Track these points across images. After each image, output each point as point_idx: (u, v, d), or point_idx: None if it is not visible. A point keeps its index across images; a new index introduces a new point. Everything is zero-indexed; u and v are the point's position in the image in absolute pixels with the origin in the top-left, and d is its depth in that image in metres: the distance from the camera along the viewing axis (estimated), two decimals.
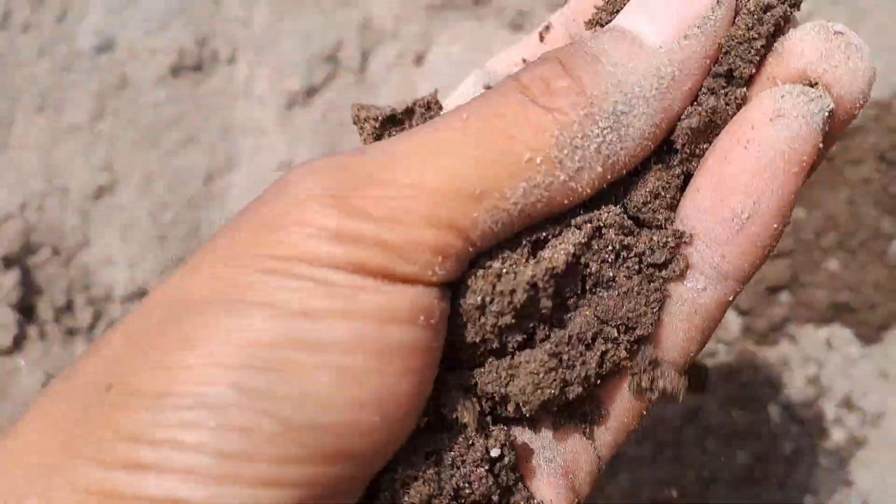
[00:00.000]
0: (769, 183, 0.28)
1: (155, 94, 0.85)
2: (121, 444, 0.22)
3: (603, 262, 0.29)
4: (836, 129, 0.29)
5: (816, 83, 0.29)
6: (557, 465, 0.31)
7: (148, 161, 0.84)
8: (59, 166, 0.84)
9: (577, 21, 0.36)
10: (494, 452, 0.28)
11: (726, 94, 0.30)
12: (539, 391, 0.28)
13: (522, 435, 0.31)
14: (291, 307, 0.24)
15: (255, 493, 0.22)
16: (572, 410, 0.32)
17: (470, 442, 0.29)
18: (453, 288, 0.28)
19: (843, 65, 0.28)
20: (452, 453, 0.28)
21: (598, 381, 0.30)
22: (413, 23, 0.85)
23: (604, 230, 0.29)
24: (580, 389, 0.29)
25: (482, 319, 0.28)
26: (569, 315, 0.30)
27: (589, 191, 0.28)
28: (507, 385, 0.29)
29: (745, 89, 0.30)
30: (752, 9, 0.29)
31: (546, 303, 0.28)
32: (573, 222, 0.29)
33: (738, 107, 0.30)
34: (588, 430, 0.32)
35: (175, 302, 0.25)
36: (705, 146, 0.30)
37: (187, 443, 0.22)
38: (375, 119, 0.34)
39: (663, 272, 0.30)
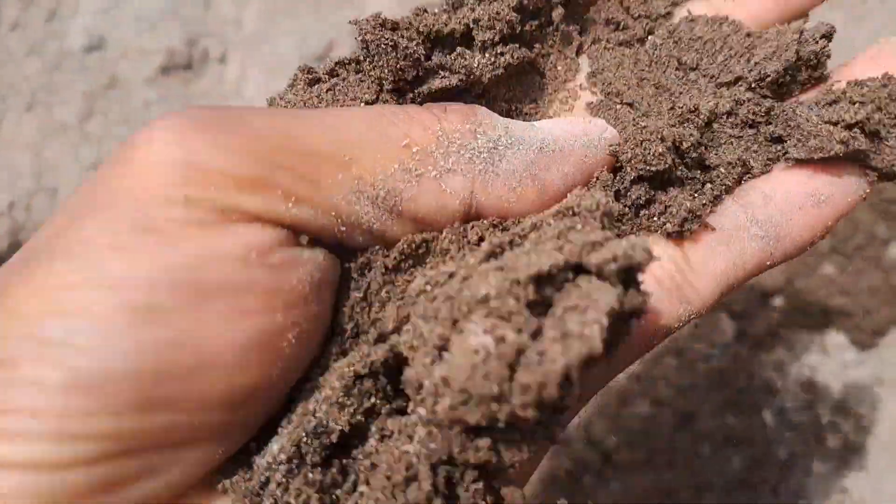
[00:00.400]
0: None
1: (145, 94, 0.84)
2: None
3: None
4: None
5: None
6: None
7: None
8: (48, 165, 0.83)
9: None
10: None
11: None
12: None
13: None
14: (98, 242, 0.23)
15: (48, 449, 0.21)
16: None
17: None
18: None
19: None
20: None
21: None
22: None
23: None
24: None
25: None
26: None
27: (457, 204, 0.29)
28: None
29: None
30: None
31: None
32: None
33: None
34: None
35: (29, 247, 0.24)
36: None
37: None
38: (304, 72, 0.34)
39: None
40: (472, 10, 0.34)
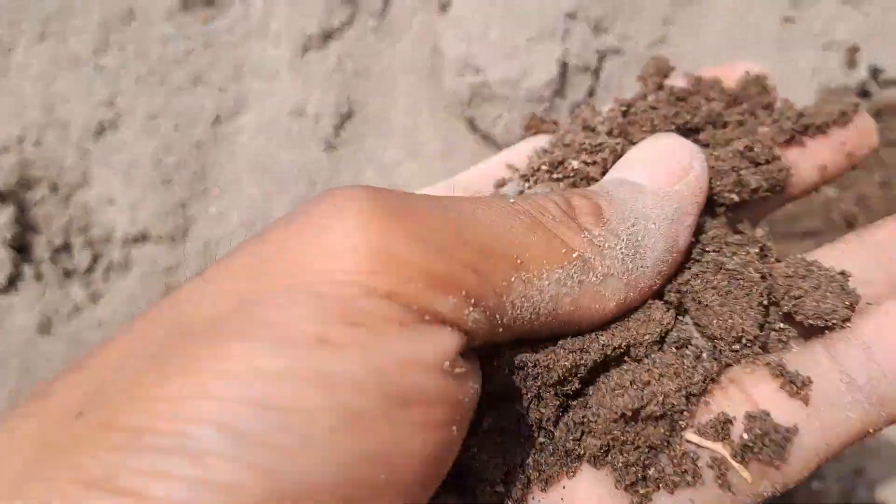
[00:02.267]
0: None
1: (163, 29, 0.80)
2: (78, 489, 0.18)
3: None
4: None
5: None
6: None
7: (153, 99, 0.80)
8: (59, 99, 0.80)
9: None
10: None
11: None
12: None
13: None
14: (306, 332, 0.20)
15: None
16: None
17: None
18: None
19: None
20: None
21: None
22: None
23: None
24: None
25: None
26: None
27: (613, 306, 0.29)
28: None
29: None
30: None
31: None
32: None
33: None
34: None
35: (179, 320, 0.22)
36: None
37: (156, 497, 0.18)
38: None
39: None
40: None
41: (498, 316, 0.25)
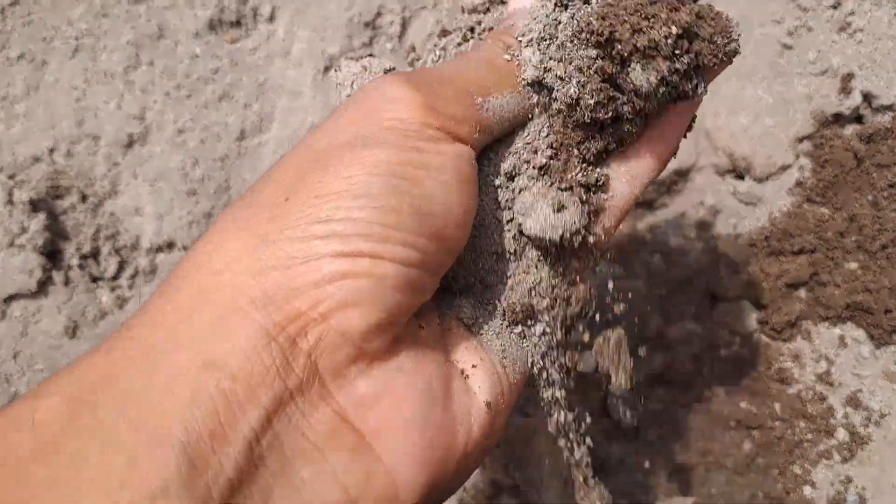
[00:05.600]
0: None
1: (191, 47, 0.84)
2: (304, 224, 0.31)
3: None
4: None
5: None
6: None
7: (181, 114, 0.84)
8: (90, 112, 0.84)
9: None
10: None
11: None
12: None
13: None
14: (406, 144, 0.34)
15: (397, 250, 0.32)
16: None
17: None
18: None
19: None
20: None
21: None
22: None
23: None
24: None
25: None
26: None
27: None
28: None
29: None
30: None
31: None
32: None
33: None
34: None
35: (321, 148, 0.34)
36: None
37: (356, 217, 0.31)
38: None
39: None
40: None
41: (488, 131, 0.39)
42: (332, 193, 0.31)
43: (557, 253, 0.40)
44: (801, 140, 0.85)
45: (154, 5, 0.85)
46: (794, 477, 0.81)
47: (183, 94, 0.84)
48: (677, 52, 0.34)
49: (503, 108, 0.39)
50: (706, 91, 0.37)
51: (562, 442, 0.45)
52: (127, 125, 0.84)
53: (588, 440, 0.45)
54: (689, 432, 0.82)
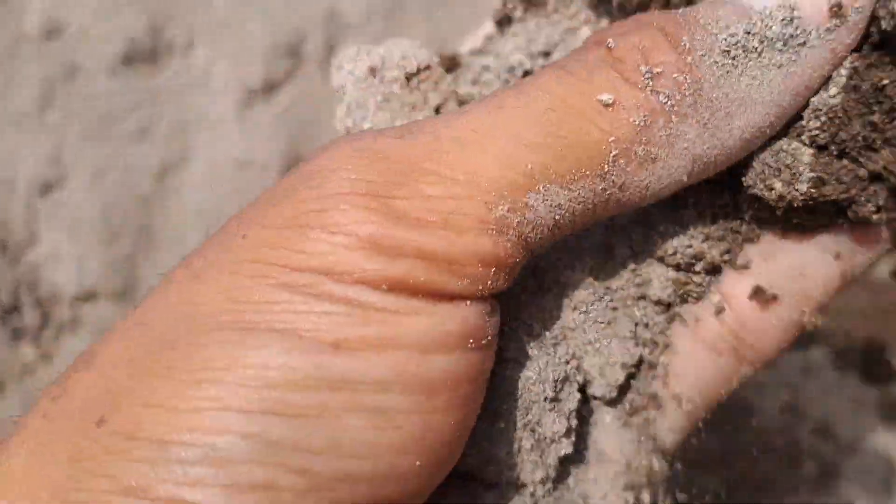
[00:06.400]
0: None
1: (106, 84, 0.80)
2: (118, 498, 0.19)
3: None
4: None
5: None
6: None
7: (98, 154, 0.80)
8: (4, 158, 0.80)
9: None
10: None
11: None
12: None
13: None
14: (318, 337, 0.20)
15: None
16: None
17: None
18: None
19: None
20: None
21: None
22: (381, 15, 0.80)
23: None
24: None
25: None
26: None
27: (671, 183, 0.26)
28: None
29: None
30: None
31: None
32: None
33: None
34: None
35: (181, 314, 0.22)
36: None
37: (195, 502, 0.19)
38: None
39: None
40: None
41: (527, 251, 0.24)
42: (169, 446, 0.20)
43: None
44: None
45: (66, 42, 0.80)
46: None
47: (100, 132, 0.80)
48: None
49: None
50: None
51: None
52: (43, 169, 0.80)
53: None
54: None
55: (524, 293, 0.29)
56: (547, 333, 0.28)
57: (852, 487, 0.75)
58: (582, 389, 0.28)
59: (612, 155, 0.24)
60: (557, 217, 0.24)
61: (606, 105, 0.24)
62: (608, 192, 0.24)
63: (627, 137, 0.24)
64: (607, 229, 0.30)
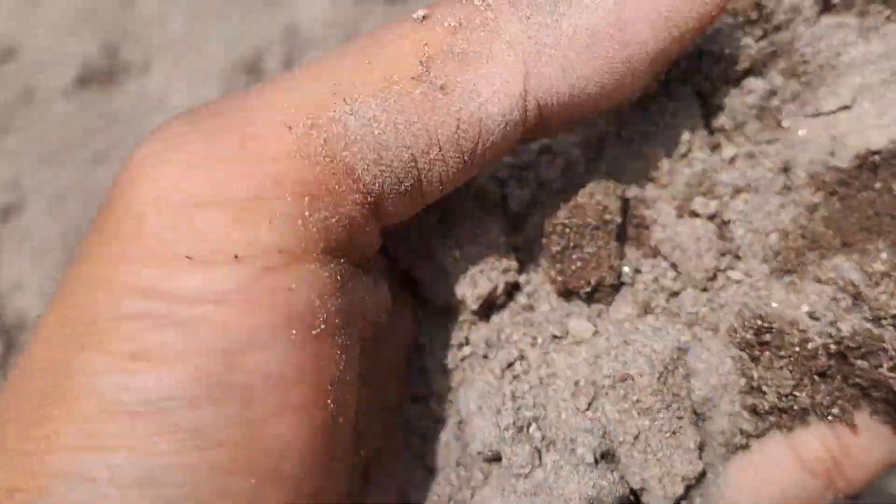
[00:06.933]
0: None
1: (63, 107, 0.79)
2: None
3: None
4: None
5: None
6: None
7: (57, 179, 0.79)
8: None
9: None
10: None
11: None
12: None
13: None
14: (120, 349, 0.20)
15: None
16: None
17: None
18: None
19: None
20: None
21: None
22: (341, 29, 0.79)
23: None
24: None
25: None
26: None
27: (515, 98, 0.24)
28: None
29: None
30: None
31: None
32: None
33: None
34: None
35: (52, 358, 0.21)
36: None
37: None
38: None
39: None
40: None
41: (344, 177, 0.22)
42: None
43: None
44: None
45: (21, 66, 0.79)
46: None
47: (58, 156, 0.79)
48: None
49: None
50: None
51: None
52: (2, 196, 0.78)
53: None
54: None
55: None
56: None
57: None
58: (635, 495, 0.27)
59: (424, 57, 0.23)
60: (377, 132, 0.22)
61: (420, 20, 0.24)
62: (430, 97, 0.23)
63: (441, 39, 0.23)
64: None
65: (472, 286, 0.29)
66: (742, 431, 0.28)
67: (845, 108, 0.28)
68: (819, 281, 0.27)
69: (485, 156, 0.24)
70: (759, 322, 0.27)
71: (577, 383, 0.28)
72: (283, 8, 0.80)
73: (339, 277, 0.22)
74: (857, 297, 0.26)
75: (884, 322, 0.25)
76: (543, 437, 0.27)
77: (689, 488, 0.27)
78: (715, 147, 0.30)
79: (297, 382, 0.20)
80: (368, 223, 0.23)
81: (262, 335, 0.19)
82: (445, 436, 0.29)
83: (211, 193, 0.20)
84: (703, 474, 0.28)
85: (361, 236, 0.23)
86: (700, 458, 0.28)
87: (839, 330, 0.26)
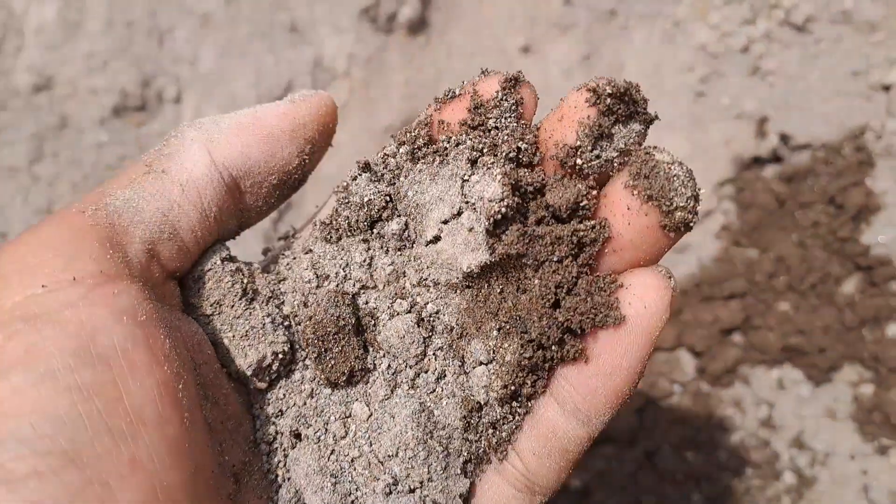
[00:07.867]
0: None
1: (97, 136, 0.82)
2: None
3: None
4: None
5: None
6: None
7: None
8: None
9: None
10: None
11: None
12: None
13: None
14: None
15: None
16: None
17: None
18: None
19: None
20: None
21: None
22: (364, 60, 0.83)
23: None
24: None
25: None
26: None
27: None
28: None
29: None
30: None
31: None
32: None
33: None
34: None
35: None
36: None
37: None
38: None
39: None
40: None
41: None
42: None
43: None
44: (722, 184, 0.85)
45: (55, 95, 0.82)
46: None
47: (90, 183, 0.81)
48: None
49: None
50: None
51: None
52: (34, 220, 0.81)
53: None
54: (636, 489, 0.81)
55: None
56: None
57: (828, 495, 0.78)
58: None
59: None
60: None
61: None
62: None
63: None
64: None
65: (242, 356, 0.36)
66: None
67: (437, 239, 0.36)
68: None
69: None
70: None
71: None
72: (308, 42, 0.84)
73: (147, 292, 0.32)
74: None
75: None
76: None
77: None
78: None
79: (135, 348, 0.29)
80: (150, 263, 0.34)
81: (105, 322, 0.29)
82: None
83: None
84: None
85: (151, 269, 0.34)
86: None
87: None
